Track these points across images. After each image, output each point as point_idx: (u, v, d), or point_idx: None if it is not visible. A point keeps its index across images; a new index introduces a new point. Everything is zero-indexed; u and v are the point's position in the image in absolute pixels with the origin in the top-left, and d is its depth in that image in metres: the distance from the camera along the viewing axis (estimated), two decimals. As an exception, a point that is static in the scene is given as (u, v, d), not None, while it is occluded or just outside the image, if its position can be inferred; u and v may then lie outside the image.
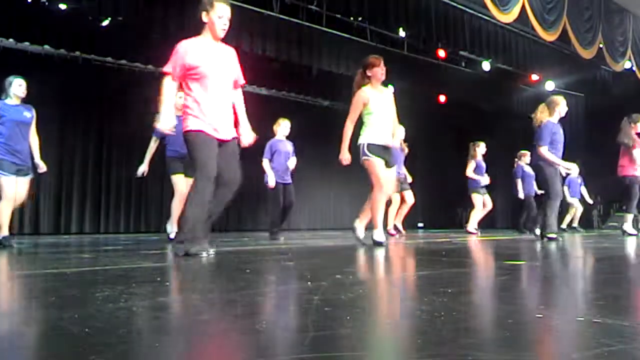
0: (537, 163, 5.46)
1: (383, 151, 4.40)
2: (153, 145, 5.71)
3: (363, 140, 4.42)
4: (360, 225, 4.69)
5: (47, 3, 7.14)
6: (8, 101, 4.54)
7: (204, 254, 3.11)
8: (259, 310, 1.43)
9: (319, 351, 0.97)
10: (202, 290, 1.87)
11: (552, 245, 4.52)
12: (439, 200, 12.85)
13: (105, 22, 7.63)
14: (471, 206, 8.56)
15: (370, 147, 4.37)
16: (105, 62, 8.62)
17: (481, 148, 8.45)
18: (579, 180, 10.09)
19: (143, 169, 5.74)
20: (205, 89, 3.22)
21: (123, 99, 8.69)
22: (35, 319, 1.37)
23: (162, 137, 5.50)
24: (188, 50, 3.23)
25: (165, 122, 3.25)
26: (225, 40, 3.41)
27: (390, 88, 4.63)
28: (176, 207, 5.41)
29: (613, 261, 3.14)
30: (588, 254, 3.73)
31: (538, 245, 4.55)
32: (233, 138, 3.35)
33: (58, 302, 1.58)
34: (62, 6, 7.11)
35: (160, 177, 9.37)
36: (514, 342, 1.04)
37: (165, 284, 2.06)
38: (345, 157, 4.52)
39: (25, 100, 4.64)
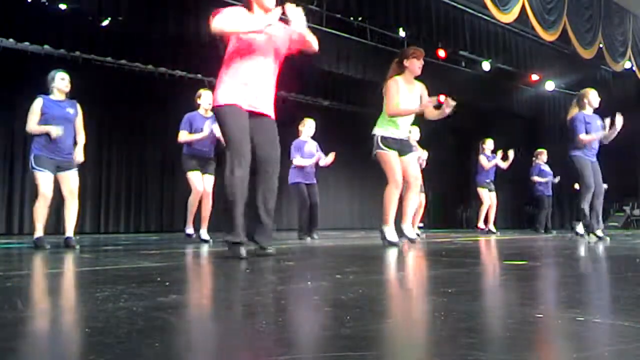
0: (570, 156, 5.43)
1: (397, 143, 4.37)
2: (186, 134, 5.26)
3: (378, 132, 4.36)
4: (406, 226, 4.56)
5: (47, 3, 7.13)
6: (52, 97, 4.31)
7: (242, 249, 2.88)
8: (259, 310, 1.43)
9: (319, 351, 0.97)
10: (202, 290, 1.86)
11: (552, 245, 4.52)
12: (439, 200, 12.85)
13: (106, 22, 7.63)
14: (478, 203, 8.60)
15: (385, 140, 4.33)
16: (105, 62, 8.62)
17: (488, 144, 8.58)
18: None
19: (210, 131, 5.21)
20: (248, 59, 3.04)
21: (123, 99, 8.69)
22: (35, 319, 1.37)
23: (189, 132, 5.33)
24: (239, 14, 3.01)
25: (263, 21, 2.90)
26: None
27: (422, 85, 4.55)
28: (191, 204, 5.36)
29: (613, 261, 3.14)
30: (589, 254, 3.73)
31: (538, 245, 4.55)
32: (271, 117, 3.14)
33: (58, 302, 1.58)
34: (62, 6, 7.11)
35: (160, 178, 9.41)
36: (514, 342, 1.04)
37: (165, 284, 2.06)
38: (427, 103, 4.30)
39: (70, 96, 4.43)
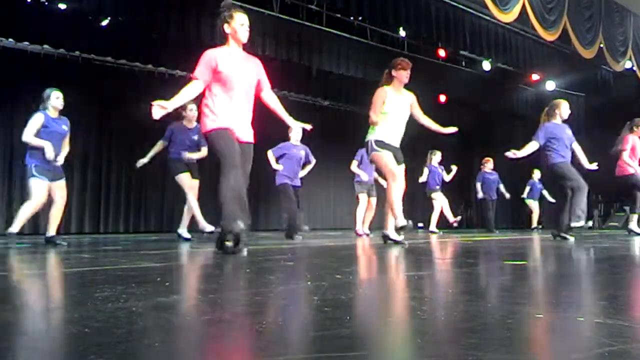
0: (550, 165, 5.53)
1: (390, 148, 4.51)
2: (160, 145, 5.76)
3: (371, 137, 4.51)
4: (390, 230, 4.63)
5: (46, 3, 7.13)
6: (49, 113, 4.74)
7: (243, 231, 3.18)
8: (259, 310, 1.43)
9: (319, 351, 0.97)
10: (202, 290, 1.86)
11: (552, 245, 4.52)
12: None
13: (105, 22, 7.64)
14: (433, 208, 9.27)
15: (378, 143, 4.47)
16: (105, 62, 8.61)
17: (437, 156, 9.04)
18: (539, 185, 10.65)
19: (143, 161, 5.85)
20: (227, 93, 3.41)
21: (123, 99, 8.68)
22: (35, 318, 1.37)
23: (169, 142, 5.67)
24: (215, 57, 3.41)
25: (157, 111, 3.31)
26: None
27: (411, 95, 4.67)
28: (190, 205, 5.56)
29: (613, 261, 3.14)
30: (588, 254, 3.73)
31: (537, 245, 4.55)
32: (250, 142, 3.52)
33: (58, 301, 1.58)
34: (62, 6, 7.11)
35: (160, 178, 9.39)
36: (514, 342, 1.04)
37: (165, 283, 2.06)
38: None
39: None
